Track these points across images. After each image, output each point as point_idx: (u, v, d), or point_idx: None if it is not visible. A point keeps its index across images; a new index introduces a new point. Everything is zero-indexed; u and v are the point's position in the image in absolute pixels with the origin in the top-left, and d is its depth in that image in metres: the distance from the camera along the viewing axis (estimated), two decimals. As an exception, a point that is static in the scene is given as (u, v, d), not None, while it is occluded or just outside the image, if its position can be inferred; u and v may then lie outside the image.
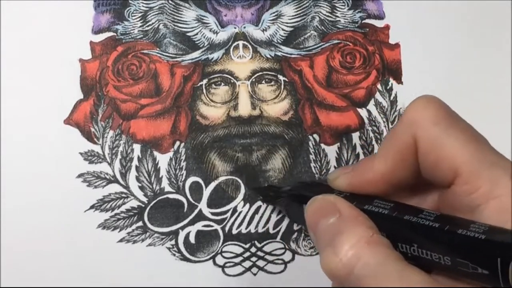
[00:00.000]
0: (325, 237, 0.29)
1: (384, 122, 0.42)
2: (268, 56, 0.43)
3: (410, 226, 0.28)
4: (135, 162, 0.41)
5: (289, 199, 0.37)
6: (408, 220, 0.28)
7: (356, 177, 0.32)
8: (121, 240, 0.39)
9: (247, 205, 0.40)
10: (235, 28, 0.44)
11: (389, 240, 0.28)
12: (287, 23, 0.44)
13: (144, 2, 0.44)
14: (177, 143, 0.41)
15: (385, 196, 0.31)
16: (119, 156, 0.41)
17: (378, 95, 0.43)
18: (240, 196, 0.40)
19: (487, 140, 0.29)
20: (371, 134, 0.42)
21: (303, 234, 0.40)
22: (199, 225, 0.40)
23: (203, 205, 0.40)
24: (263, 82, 0.43)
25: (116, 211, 0.40)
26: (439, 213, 0.28)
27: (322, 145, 0.42)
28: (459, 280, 0.27)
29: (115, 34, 0.43)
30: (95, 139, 0.41)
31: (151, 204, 0.40)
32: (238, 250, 0.40)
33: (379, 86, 0.43)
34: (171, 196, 0.40)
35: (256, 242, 0.40)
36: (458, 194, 0.28)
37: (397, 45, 0.44)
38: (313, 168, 0.41)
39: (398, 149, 0.30)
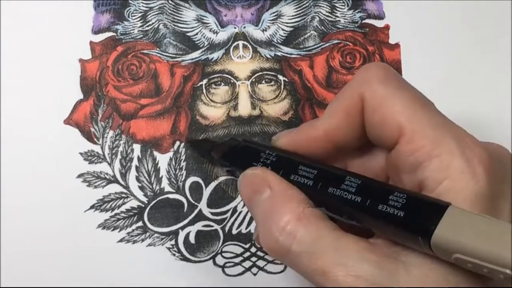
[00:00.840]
0: (260, 215, 0.29)
1: (384, 122, 0.42)
2: (268, 56, 0.43)
3: (335, 200, 0.28)
4: (135, 162, 0.41)
5: (222, 157, 0.37)
6: (332, 194, 0.28)
7: (299, 135, 0.32)
8: (121, 240, 0.39)
9: (247, 205, 0.40)
10: (235, 28, 0.44)
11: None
12: (287, 23, 0.44)
13: (144, 2, 0.44)
14: (177, 143, 0.41)
15: (327, 157, 0.31)
16: (119, 156, 0.41)
17: (378, 95, 0.43)
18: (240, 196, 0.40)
19: (433, 104, 0.29)
20: (371, 134, 0.42)
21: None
22: (199, 225, 0.40)
23: (203, 205, 0.40)
24: (263, 82, 0.43)
25: (116, 211, 0.40)
26: (361, 180, 0.28)
27: (322, 145, 0.42)
28: (398, 244, 0.27)
29: (115, 34, 0.43)
30: (95, 139, 0.41)
31: (151, 204, 0.40)
32: (238, 250, 0.40)
33: (379, 86, 0.43)
34: (171, 196, 0.40)
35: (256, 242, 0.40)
36: (402, 154, 0.28)
37: (397, 45, 0.44)
38: (313, 168, 0.41)
39: (344, 107, 0.30)
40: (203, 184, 0.40)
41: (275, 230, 0.28)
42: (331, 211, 0.29)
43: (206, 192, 0.40)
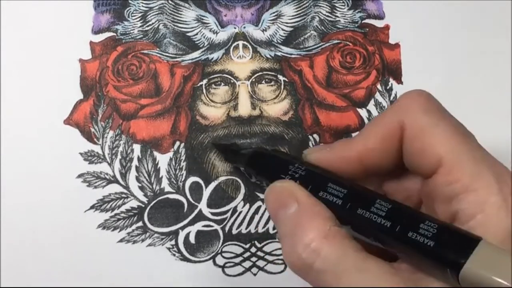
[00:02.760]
0: (285, 229, 0.29)
1: (384, 122, 0.42)
2: (268, 56, 0.43)
3: (363, 221, 0.28)
4: (135, 162, 0.41)
5: (247, 164, 0.36)
6: (361, 215, 0.28)
7: (331, 153, 0.31)
8: (121, 240, 0.39)
9: (247, 205, 0.40)
10: (235, 28, 0.44)
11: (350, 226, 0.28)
12: (287, 23, 0.44)
13: (144, 2, 0.44)
14: (177, 143, 0.41)
15: (359, 177, 0.31)
16: (119, 156, 0.41)
17: (378, 95, 0.43)
18: (240, 196, 0.40)
19: (474, 137, 0.29)
20: (371, 134, 0.42)
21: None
22: (199, 225, 0.40)
23: (203, 205, 0.40)
24: (263, 82, 0.43)
25: (116, 211, 0.40)
26: (392, 204, 0.28)
27: (322, 145, 0.42)
28: (422, 271, 0.27)
29: (115, 34, 0.43)
30: (95, 139, 0.41)
31: (151, 204, 0.40)
32: (238, 250, 0.40)
33: (379, 86, 0.43)
34: (171, 196, 0.40)
35: (256, 242, 0.40)
36: (439, 184, 0.28)
37: (397, 45, 0.44)
38: (313, 168, 0.41)
39: (381, 132, 0.30)
40: (203, 184, 0.40)
41: (299, 246, 0.27)
42: (358, 231, 0.28)
43: (206, 192, 0.40)
